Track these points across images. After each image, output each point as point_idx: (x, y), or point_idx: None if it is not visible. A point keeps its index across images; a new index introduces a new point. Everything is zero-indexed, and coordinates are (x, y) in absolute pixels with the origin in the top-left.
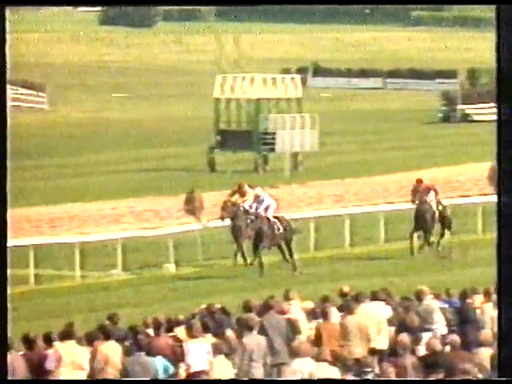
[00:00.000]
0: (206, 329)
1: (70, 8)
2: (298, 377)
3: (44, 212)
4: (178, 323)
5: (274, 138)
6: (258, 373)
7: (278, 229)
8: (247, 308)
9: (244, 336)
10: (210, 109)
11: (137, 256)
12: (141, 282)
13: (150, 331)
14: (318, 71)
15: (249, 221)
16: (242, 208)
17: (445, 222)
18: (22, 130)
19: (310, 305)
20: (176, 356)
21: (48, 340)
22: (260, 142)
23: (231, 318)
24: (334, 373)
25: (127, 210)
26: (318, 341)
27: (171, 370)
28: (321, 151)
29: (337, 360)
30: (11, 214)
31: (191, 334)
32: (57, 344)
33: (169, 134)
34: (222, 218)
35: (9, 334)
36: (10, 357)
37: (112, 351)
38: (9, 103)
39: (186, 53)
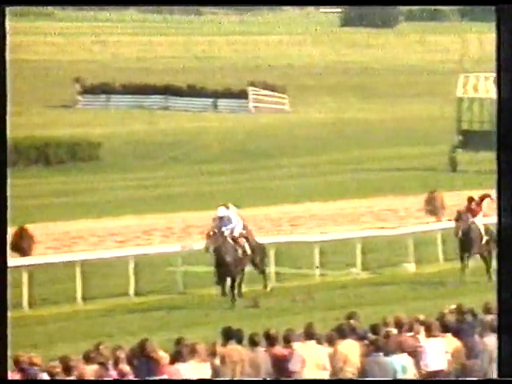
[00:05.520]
0: (446, 329)
1: (311, 9)
2: None
3: (286, 211)
4: (419, 323)
5: None
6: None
7: (244, 252)
8: (487, 309)
9: (485, 337)
10: (452, 108)
11: (376, 255)
12: (380, 281)
13: (390, 330)
14: None
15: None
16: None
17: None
18: (264, 130)
19: None
20: (414, 356)
21: (289, 338)
22: None
23: (477, 320)
24: None
25: (366, 210)
26: None
27: (409, 369)
28: None
29: None
30: (251, 213)
31: (430, 333)
32: (298, 344)
33: (410, 133)
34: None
35: (251, 330)
36: (253, 353)
37: (351, 350)
38: (251, 104)
39: (429, 52)
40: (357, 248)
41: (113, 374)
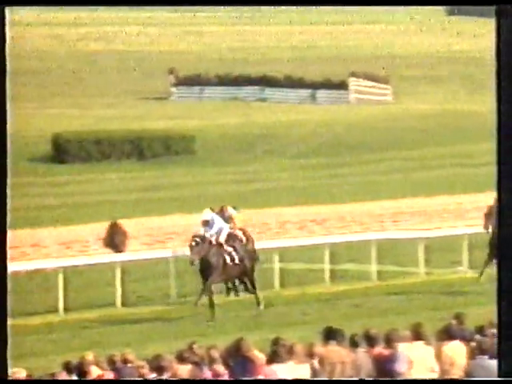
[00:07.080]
0: None
1: None
2: None
3: (388, 206)
4: None
5: None
6: None
7: (233, 259)
8: None
9: None
10: None
11: (483, 252)
12: (487, 279)
13: (494, 332)
14: None
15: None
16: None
17: None
18: (365, 122)
19: None
20: None
21: (391, 339)
22: None
23: None
24: None
25: (472, 205)
26: None
27: None
28: None
29: None
30: (352, 209)
31: None
32: (404, 345)
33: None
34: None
35: (350, 330)
36: (354, 353)
37: (457, 352)
38: (351, 95)
39: None
40: (463, 245)
41: (207, 375)
